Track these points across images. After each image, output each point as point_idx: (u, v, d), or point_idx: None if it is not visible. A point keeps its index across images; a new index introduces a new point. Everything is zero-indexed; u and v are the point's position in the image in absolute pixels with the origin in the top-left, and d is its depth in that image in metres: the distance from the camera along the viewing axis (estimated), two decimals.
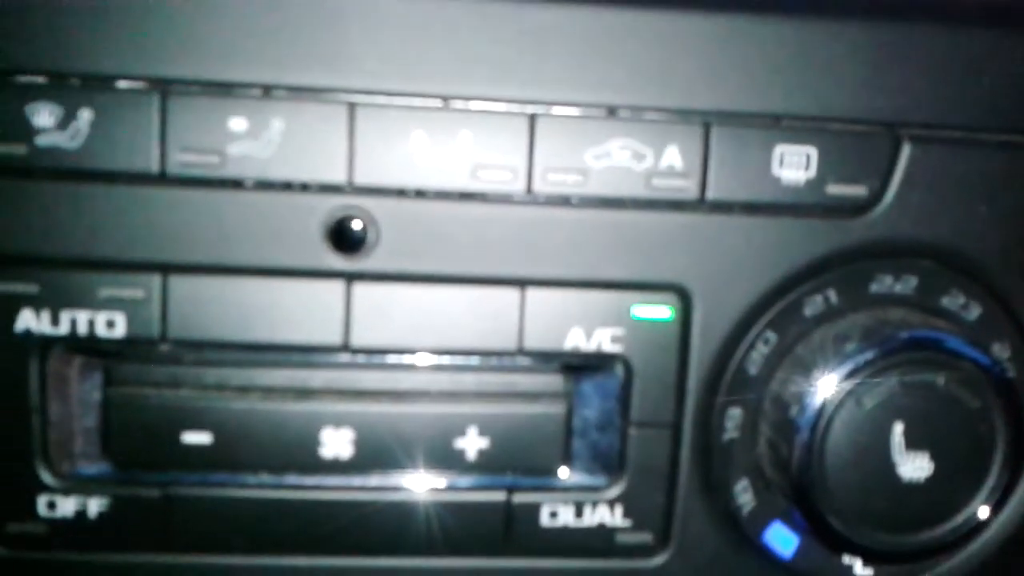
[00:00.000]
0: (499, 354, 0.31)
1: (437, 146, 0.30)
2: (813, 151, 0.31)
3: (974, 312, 0.34)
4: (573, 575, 0.33)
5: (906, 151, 0.32)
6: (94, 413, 0.31)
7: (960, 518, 0.32)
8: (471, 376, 0.32)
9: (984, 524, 0.33)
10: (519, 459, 0.32)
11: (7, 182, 0.29)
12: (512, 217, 0.31)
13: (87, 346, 0.30)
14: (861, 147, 0.31)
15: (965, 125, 0.32)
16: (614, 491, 0.33)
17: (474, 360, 0.32)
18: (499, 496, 0.32)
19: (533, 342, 0.31)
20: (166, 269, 0.30)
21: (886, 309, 0.33)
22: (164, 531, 0.31)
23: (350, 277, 0.30)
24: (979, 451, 0.32)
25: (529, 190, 0.30)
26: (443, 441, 0.31)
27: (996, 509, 0.32)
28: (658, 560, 0.33)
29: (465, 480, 0.32)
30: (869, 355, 0.31)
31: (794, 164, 0.31)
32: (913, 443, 0.31)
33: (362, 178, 0.30)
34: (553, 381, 0.33)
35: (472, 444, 0.32)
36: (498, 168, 0.30)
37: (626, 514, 0.33)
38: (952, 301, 0.34)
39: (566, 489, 0.33)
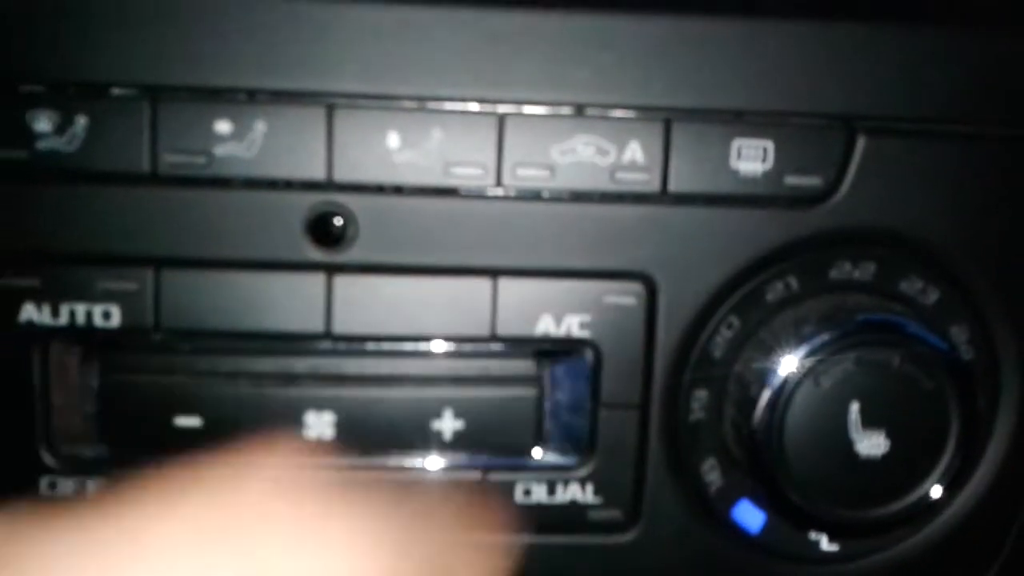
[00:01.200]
0: (473, 340, 0.33)
1: (412, 145, 0.32)
2: (770, 144, 0.32)
3: (932, 296, 0.35)
4: (547, 551, 0.35)
5: (861, 143, 0.33)
6: (92, 399, 0.33)
7: (915, 496, 0.33)
8: (447, 362, 0.34)
9: (940, 503, 0.34)
10: (493, 440, 0.34)
11: (10, 185, 0.31)
12: (484, 211, 0.32)
13: (85, 336, 0.32)
14: (817, 140, 0.33)
15: (919, 118, 0.33)
16: (585, 470, 0.34)
17: (450, 346, 0.33)
18: (475, 475, 0.34)
19: (505, 329, 0.33)
20: (159, 263, 0.32)
21: (845, 294, 0.34)
22: None
23: (331, 269, 0.32)
24: (933, 431, 0.33)
25: (499, 184, 0.32)
26: (420, 423, 0.33)
27: (952, 488, 0.34)
28: (628, 536, 0.35)
29: (441, 460, 0.34)
30: (826, 337, 0.32)
31: (752, 157, 0.33)
32: (870, 422, 0.33)
33: (341, 176, 0.32)
34: (525, 366, 0.34)
35: (448, 426, 0.33)
36: (470, 165, 0.32)
37: (597, 492, 0.34)
38: (910, 286, 0.35)
39: (539, 468, 0.34)
